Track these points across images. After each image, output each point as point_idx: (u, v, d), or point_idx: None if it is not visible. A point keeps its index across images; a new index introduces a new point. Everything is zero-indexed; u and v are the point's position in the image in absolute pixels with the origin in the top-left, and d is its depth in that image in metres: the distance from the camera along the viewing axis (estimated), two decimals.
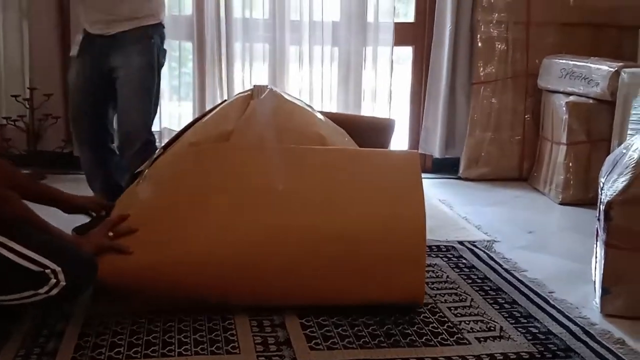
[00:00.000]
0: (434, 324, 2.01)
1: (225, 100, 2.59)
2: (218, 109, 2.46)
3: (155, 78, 2.79)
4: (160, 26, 2.81)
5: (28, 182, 2.13)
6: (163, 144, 2.55)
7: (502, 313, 2.11)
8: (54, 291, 1.70)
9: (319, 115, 2.53)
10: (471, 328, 2.00)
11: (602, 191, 2.18)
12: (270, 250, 1.98)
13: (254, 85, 2.49)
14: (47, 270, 1.68)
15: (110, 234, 1.97)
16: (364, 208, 2.07)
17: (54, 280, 1.69)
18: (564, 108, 3.47)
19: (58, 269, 1.69)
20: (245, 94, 2.46)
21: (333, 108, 3.88)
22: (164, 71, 3.77)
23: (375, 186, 2.14)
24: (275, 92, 2.46)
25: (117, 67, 2.72)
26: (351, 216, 2.05)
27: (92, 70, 2.75)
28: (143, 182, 2.22)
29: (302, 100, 2.74)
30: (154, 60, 2.78)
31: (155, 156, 2.39)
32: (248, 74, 3.85)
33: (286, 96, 2.53)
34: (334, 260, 2.00)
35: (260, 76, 3.86)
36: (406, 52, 4.16)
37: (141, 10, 2.72)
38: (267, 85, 2.47)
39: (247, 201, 2.05)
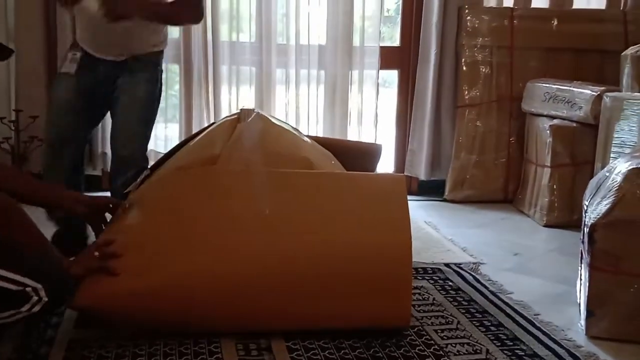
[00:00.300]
0: (421, 347, 2.01)
1: (213, 124, 2.59)
2: (205, 132, 2.46)
3: (155, 105, 2.78)
4: (164, 52, 2.82)
5: (32, 186, 2.08)
6: (150, 166, 2.54)
7: (488, 335, 2.11)
8: (36, 308, 1.67)
9: (306, 139, 2.54)
10: (457, 351, 2.00)
11: (586, 214, 2.20)
12: (256, 275, 1.97)
13: (241, 109, 2.49)
14: (28, 289, 1.66)
15: (96, 253, 1.95)
16: (351, 232, 2.08)
17: (35, 298, 1.67)
18: (548, 131, 3.51)
19: (39, 286, 1.67)
20: (232, 117, 2.47)
21: (319, 131, 3.91)
22: None
23: (362, 210, 2.15)
24: (262, 115, 2.47)
25: (121, 91, 2.65)
26: (337, 240, 2.05)
27: (89, 89, 2.65)
28: (130, 206, 2.21)
29: (288, 124, 2.75)
30: (158, 88, 2.77)
31: (142, 178, 2.39)
32: (235, 96, 3.86)
33: (273, 120, 2.54)
34: (320, 284, 1.99)
35: (247, 99, 3.88)
36: (392, 76, 4.20)
37: (154, 39, 2.71)
38: (254, 109, 2.48)
39: (234, 225, 2.05)
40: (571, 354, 2.00)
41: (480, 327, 2.17)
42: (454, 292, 2.48)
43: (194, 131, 3.45)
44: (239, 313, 1.98)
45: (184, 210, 2.10)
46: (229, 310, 1.97)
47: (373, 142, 3.82)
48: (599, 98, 3.25)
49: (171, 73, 3.87)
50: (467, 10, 3.89)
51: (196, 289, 1.94)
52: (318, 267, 2.00)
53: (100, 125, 3.69)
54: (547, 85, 3.65)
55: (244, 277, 1.96)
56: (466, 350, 2.00)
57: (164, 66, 3.66)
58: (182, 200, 2.13)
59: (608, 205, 2.10)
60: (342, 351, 1.96)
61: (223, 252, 1.99)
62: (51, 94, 2.83)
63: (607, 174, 2.24)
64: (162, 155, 2.68)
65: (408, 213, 2.12)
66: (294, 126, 3.10)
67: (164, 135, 3.83)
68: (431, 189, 4.07)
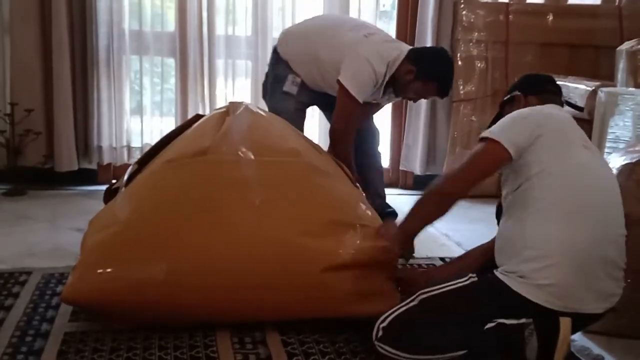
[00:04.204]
0: None
1: (202, 116, 2.58)
2: (194, 126, 2.46)
3: None
4: None
5: None
6: (136, 160, 2.53)
7: None
8: None
9: (295, 131, 2.55)
10: None
11: None
12: (248, 265, 1.97)
13: (230, 102, 2.50)
14: None
15: None
16: (340, 221, 2.09)
17: None
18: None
19: None
20: (221, 110, 2.47)
21: (314, 125, 3.90)
22: (146, 86, 3.80)
23: (350, 199, 2.16)
24: (251, 108, 2.48)
25: None
26: (328, 229, 2.06)
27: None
28: (121, 201, 2.21)
29: (278, 116, 2.75)
30: None
31: (130, 172, 2.38)
32: (230, 90, 3.86)
33: (262, 112, 2.54)
34: (311, 274, 1.99)
35: (243, 92, 3.88)
36: None
37: None
38: (242, 102, 2.49)
39: (225, 216, 2.05)
40: None
41: None
42: None
43: None
44: (233, 303, 1.98)
45: (174, 202, 2.09)
46: (223, 301, 1.96)
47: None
48: (593, 93, 3.26)
49: (167, 67, 3.87)
50: (462, 5, 3.89)
51: (188, 281, 1.93)
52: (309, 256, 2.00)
53: (95, 119, 3.71)
54: None
55: (235, 267, 1.96)
56: None
57: (159, 60, 3.74)
58: (172, 193, 2.13)
59: None
60: (337, 345, 1.96)
61: (214, 243, 1.98)
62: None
63: None
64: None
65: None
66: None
67: (160, 129, 3.82)
68: (426, 184, 4.02)
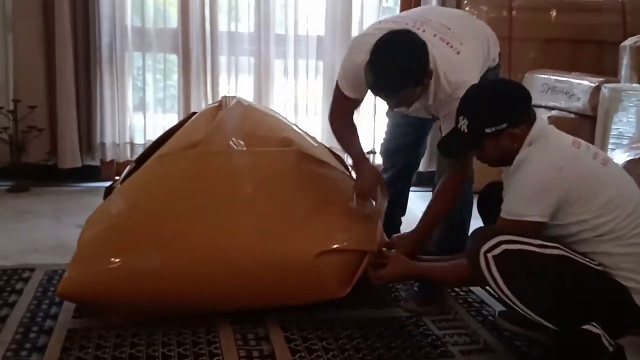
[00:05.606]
0: (418, 337, 2.02)
1: (195, 113, 2.59)
2: (188, 122, 2.47)
3: None
4: None
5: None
6: (135, 159, 2.53)
7: (486, 326, 2.12)
8: None
9: (289, 122, 2.56)
10: (455, 341, 2.01)
11: None
12: (241, 253, 1.97)
13: (222, 96, 2.51)
14: None
15: None
16: (332, 208, 2.11)
17: None
18: (546, 122, 3.51)
19: None
20: (214, 105, 2.48)
21: (318, 121, 3.90)
22: (149, 83, 3.80)
23: (343, 187, 2.18)
24: (243, 101, 2.49)
25: None
26: (320, 216, 2.07)
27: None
28: (114, 197, 2.22)
29: (272, 110, 2.76)
30: None
31: (128, 171, 2.39)
32: (233, 87, 3.86)
33: (254, 105, 2.55)
34: (305, 260, 1.99)
35: (245, 89, 3.88)
36: None
37: None
38: (235, 96, 2.50)
39: (217, 205, 2.05)
40: None
41: (477, 317, 2.18)
42: None
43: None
44: (225, 292, 1.97)
45: (167, 194, 2.10)
46: (215, 290, 1.96)
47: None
48: (597, 89, 3.25)
49: (169, 63, 3.87)
50: (465, 1, 3.88)
51: (183, 271, 1.93)
52: (299, 246, 2.00)
53: (98, 116, 3.71)
54: (546, 76, 3.65)
55: (229, 256, 1.96)
56: (464, 341, 2.01)
57: (162, 56, 3.71)
58: (164, 185, 2.14)
59: None
60: (340, 341, 1.96)
61: (207, 233, 1.99)
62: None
63: None
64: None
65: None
66: (294, 117, 3.09)
67: (162, 126, 3.82)
68: (429, 180, 4.04)
